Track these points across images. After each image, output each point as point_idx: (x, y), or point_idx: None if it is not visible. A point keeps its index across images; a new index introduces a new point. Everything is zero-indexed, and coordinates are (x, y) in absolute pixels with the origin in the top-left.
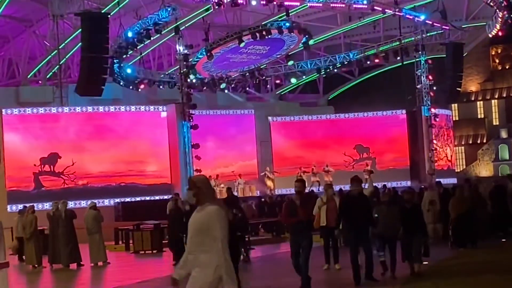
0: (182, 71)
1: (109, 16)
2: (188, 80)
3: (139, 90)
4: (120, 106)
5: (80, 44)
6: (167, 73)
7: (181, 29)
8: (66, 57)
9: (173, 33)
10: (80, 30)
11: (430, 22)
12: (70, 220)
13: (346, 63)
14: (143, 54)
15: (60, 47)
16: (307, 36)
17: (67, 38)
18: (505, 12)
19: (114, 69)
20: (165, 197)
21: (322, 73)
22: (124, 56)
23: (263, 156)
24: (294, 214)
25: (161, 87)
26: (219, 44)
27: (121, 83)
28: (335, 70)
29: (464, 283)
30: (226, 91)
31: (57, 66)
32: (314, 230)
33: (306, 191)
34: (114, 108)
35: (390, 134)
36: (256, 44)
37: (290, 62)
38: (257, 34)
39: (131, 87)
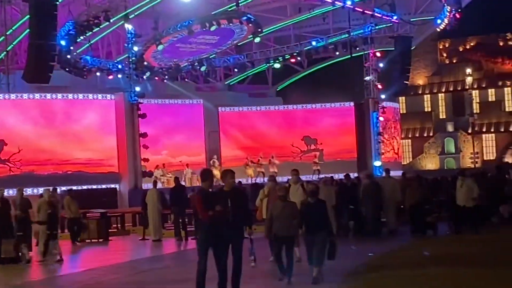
0: (130, 60)
1: (57, 2)
2: (137, 69)
3: (87, 78)
4: (68, 94)
5: (28, 30)
6: (115, 61)
7: (130, 17)
8: (14, 43)
9: (122, 22)
10: (28, 16)
11: (379, 15)
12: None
13: (295, 54)
14: (91, 42)
15: (7, 33)
16: (256, 27)
17: (15, 24)
18: (453, 6)
19: (62, 56)
20: (112, 185)
21: (271, 64)
22: (73, 43)
23: (211, 146)
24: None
25: (109, 75)
26: (169, 34)
27: (69, 71)
28: (284, 61)
29: (411, 275)
30: (175, 80)
31: (4, 53)
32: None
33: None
34: (62, 95)
35: (338, 126)
36: (205, 34)
37: (239, 53)
38: (207, 24)
39: (79, 75)
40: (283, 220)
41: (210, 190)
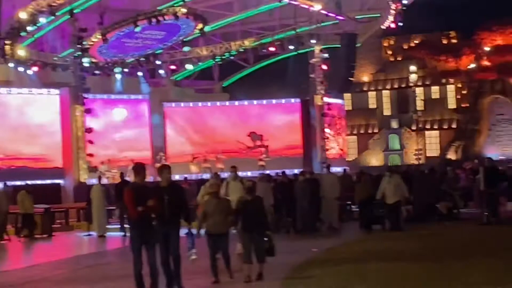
0: (76, 54)
1: None
2: (82, 63)
3: (32, 72)
4: (11, 88)
5: None
6: (60, 55)
7: (75, 12)
8: None
9: (68, 16)
10: None
11: (325, 12)
12: None
13: (241, 50)
14: (36, 36)
15: None
16: (203, 22)
17: None
18: (398, 4)
19: (5, 51)
20: (56, 181)
21: (217, 59)
22: (17, 37)
23: (157, 142)
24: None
25: (54, 70)
26: (114, 28)
27: (13, 65)
28: (231, 57)
29: (352, 270)
30: (120, 75)
31: None
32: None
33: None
34: (6, 90)
35: (284, 122)
36: (151, 29)
37: (186, 48)
38: (153, 19)
39: (23, 69)
40: (216, 217)
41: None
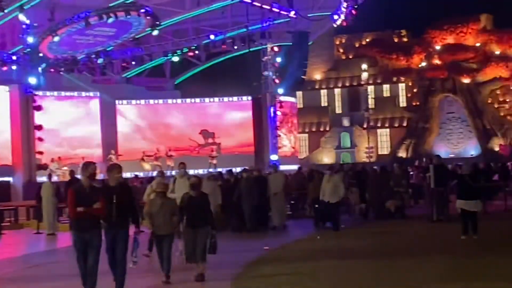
0: (25, 51)
1: None
2: (32, 60)
3: None
4: None
5: None
6: (10, 52)
7: (25, 8)
8: None
9: (18, 12)
10: None
11: (277, 10)
12: None
13: (193, 48)
14: None
15: None
16: (154, 20)
17: None
18: (350, 3)
19: None
20: (6, 178)
21: (169, 57)
22: None
23: (108, 139)
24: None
25: (3, 67)
26: (65, 25)
27: None
28: (183, 55)
29: (303, 268)
30: (71, 72)
31: None
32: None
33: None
34: None
35: (236, 119)
36: (103, 26)
37: (137, 45)
38: (104, 16)
39: None
40: (161, 217)
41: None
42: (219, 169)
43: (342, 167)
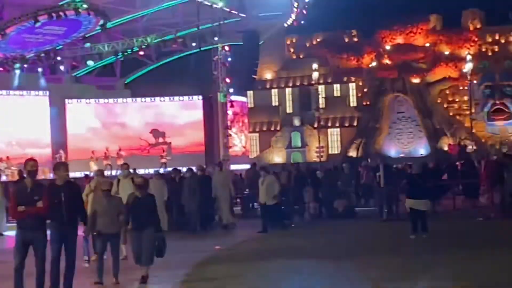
0: None
1: None
2: None
3: None
4: None
5: None
6: None
7: None
8: None
9: None
10: None
11: (228, 10)
12: None
13: (143, 47)
14: None
15: None
16: (104, 19)
17: None
18: (300, 3)
19: None
20: None
21: (119, 56)
22: None
23: (58, 138)
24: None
25: None
26: (14, 23)
27: None
28: (133, 54)
29: (254, 267)
30: (20, 71)
31: None
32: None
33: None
34: None
35: (187, 119)
36: (52, 24)
37: (87, 44)
38: (53, 14)
39: None
40: (107, 216)
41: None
42: (169, 169)
43: (298, 167)
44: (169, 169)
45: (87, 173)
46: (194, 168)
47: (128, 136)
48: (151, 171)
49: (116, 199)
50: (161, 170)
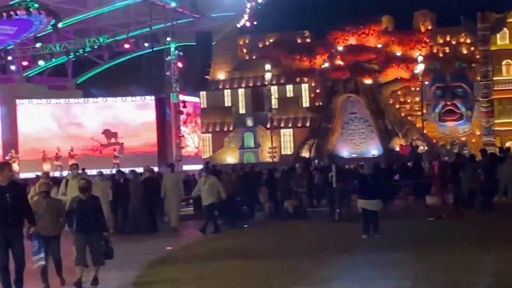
0: None
1: None
2: None
3: None
4: None
5: None
6: None
7: None
8: None
9: None
10: None
11: (181, 10)
12: None
13: (95, 47)
14: None
15: None
16: (56, 18)
17: None
18: (253, 3)
19: None
20: None
21: (71, 56)
22: None
23: (9, 139)
24: None
25: None
26: None
27: None
28: (85, 54)
29: (207, 268)
30: None
31: None
32: None
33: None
34: None
35: (139, 119)
36: (3, 24)
37: (38, 44)
38: (4, 14)
39: None
40: (46, 218)
41: None
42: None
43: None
44: (122, 169)
45: (39, 173)
46: (141, 169)
47: (80, 137)
48: (104, 171)
49: (56, 202)
50: (114, 171)
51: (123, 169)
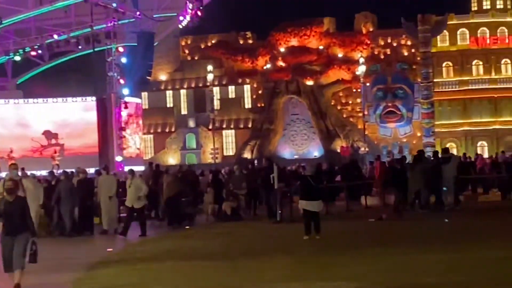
0: None
1: None
2: None
3: None
4: None
5: None
6: None
7: None
8: None
9: None
10: None
11: (122, 10)
12: None
13: (36, 47)
14: None
15: None
16: None
17: None
18: (195, 4)
19: None
20: None
21: (11, 56)
22: None
23: None
24: None
25: None
26: None
27: None
28: (25, 54)
29: (147, 269)
30: None
31: None
32: None
33: None
34: None
35: (80, 120)
36: None
37: None
38: None
39: None
40: None
41: None
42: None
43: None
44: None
45: None
46: (73, 170)
47: (21, 137)
48: (44, 173)
49: None
50: (55, 172)
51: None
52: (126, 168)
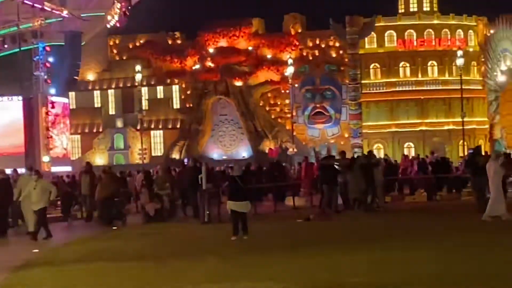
0: None
1: None
2: None
3: None
4: None
5: None
6: None
7: None
8: None
9: None
10: None
11: (49, 9)
12: None
13: None
14: None
15: None
16: None
17: None
18: (124, 4)
19: None
20: None
21: None
22: None
23: None
24: None
25: None
26: None
27: None
28: None
29: (74, 271)
30: None
31: None
32: None
33: None
34: None
35: (6, 120)
36: None
37: None
38: None
39: None
40: None
41: None
42: None
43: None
44: None
45: None
46: None
47: None
48: None
49: None
50: None
51: None
52: (54, 169)
